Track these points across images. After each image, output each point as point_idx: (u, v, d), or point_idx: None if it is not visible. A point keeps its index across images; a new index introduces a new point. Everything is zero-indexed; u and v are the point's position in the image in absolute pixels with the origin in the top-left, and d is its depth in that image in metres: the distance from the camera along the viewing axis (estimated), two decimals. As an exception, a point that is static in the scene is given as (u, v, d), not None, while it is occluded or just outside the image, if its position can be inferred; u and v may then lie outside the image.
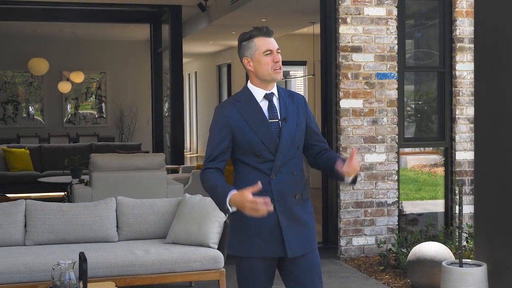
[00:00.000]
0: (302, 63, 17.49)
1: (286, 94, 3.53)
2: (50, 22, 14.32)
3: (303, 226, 3.47)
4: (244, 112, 3.42)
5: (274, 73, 3.43)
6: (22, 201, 5.79)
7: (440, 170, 13.12)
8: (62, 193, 10.61)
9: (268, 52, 3.42)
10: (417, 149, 9.80)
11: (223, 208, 3.27)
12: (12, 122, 17.75)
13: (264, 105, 3.45)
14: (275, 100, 3.47)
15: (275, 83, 3.53)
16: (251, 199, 3.16)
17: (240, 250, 3.44)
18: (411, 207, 9.57)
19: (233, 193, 3.24)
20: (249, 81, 3.53)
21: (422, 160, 15.25)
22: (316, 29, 13.98)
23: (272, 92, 3.47)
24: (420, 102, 8.01)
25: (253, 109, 3.43)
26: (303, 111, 3.52)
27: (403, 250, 6.59)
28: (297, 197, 3.45)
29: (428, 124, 7.95)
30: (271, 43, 3.45)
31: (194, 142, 22.73)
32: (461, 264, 5.12)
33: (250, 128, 3.39)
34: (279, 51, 3.46)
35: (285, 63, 3.53)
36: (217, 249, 5.63)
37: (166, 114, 14.52)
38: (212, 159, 3.41)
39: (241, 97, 3.48)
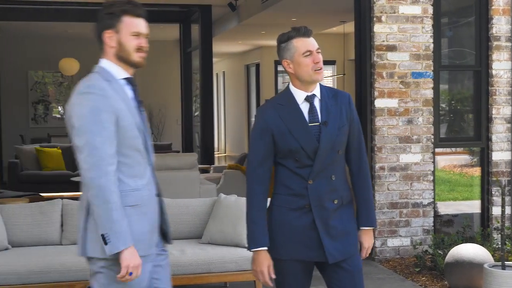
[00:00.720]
0: (331, 63, 17.44)
1: (330, 94, 3.43)
2: (80, 22, 14.40)
3: (343, 232, 3.41)
4: (285, 115, 3.35)
5: (315, 74, 3.35)
6: (59, 201, 5.81)
7: (472, 171, 13.00)
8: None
9: (308, 53, 3.34)
10: (448, 149, 9.71)
11: (248, 244, 3.42)
12: (43, 121, 17.90)
13: (305, 107, 3.37)
14: (317, 102, 3.39)
15: (318, 83, 3.46)
16: (265, 274, 3.33)
17: (275, 252, 3.40)
18: (444, 207, 9.48)
19: (263, 250, 3.35)
20: (290, 82, 3.46)
21: (454, 161, 15.11)
22: (347, 28, 13.91)
23: (313, 94, 3.39)
24: (453, 102, 7.91)
25: (293, 113, 3.35)
26: (346, 112, 3.42)
27: (439, 251, 6.50)
28: (336, 202, 3.38)
29: (463, 124, 7.85)
30: (311, 43, 3.36)
31: (222, 142, 22.76)
32: (503, 267, 5.03)
33: (290, 133, 3.32)
34: (319, 50, 3.37)
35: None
36: (253, 249, 5.59)
37: (195, 114, 14.54)
38: (258, 164, 3.37)
39: (282, 100, 3.41)
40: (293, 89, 3.41)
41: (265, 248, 3.35)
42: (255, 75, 19.11)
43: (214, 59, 18.64)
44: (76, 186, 10.98)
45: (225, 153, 22.19)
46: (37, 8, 12.82)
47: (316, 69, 3.34)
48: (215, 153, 18.21)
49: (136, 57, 3.14)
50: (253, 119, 19.51)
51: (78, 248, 3.13)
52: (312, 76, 3.35)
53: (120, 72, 3.13)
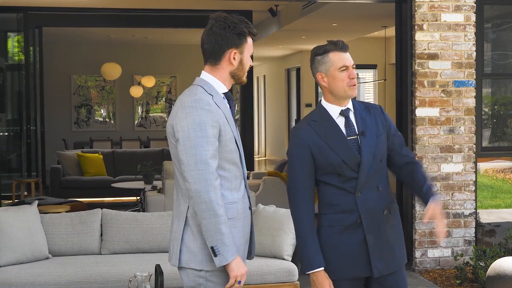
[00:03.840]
0: (372, 67, 17.32)
1: (362, 107, 3.42)
2: (122, 28, 14.55)
3: (391, 243, 3.36)
4: (321, 131, 3.32)
5: (349, 90, 3.33)
6: (98, 210, 5.84)
7: (516, 177, 12.75)
8: (135, 198, 10.75)
9: (344, 68, 3.32)
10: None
11: (303, 267, 3.35)
12: (86, 125, 18.11)
13: (340, 122, 3.35)
14: (352, 116, 3.37)
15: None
16: None
17: (328, 273, 3.34)
18: (486, 215, 9.34)
19: (321, 271, 3.29)
20: (322, 98, 3.43)
21: (497, 165, 14.85)
22: (388, 32, 13.79)
23: (347, 108, 3.37)
24: (496, 106, 7.78)
25: (330, 128, 3.33)
26: (381, 121, 3.41)
27: (481, 263, 6.40)
28: (385, 212, 3.35)
29: (506, 130, 7.71)
30: (347, 58, 3.34)
31: (263, 146, 22.75)
32: (546, 283, 4.92)
33: (329, 148, 3.29)
34: (354, 66, 3.36)
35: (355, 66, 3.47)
36: (291, 261, 5.56)
37: (235, 118, 14.57)
38: (300, 183, 3.33)
39: (316, 116, 3.39)
40: (326, 104, 3.39)
41: (322, 268, 3.31)
42: (296, 79, 19.07)
43: (255, 63, 18.66)
44: (116, 192, 11.11)
45: (265, 156, 22.18)
46: (79, 14, 12.97)
47: (351, 84, 3.33)
48: (255, 157, 18.22)
49: (245, 75, 3.27)
50: (293, 123, 19.48)
51: (171, 257, 3.19)
52: (347, 92, 3.33)
53: (221, 87, 3.22)
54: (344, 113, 3.36)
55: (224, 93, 3.23)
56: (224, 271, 3.10)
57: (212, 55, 3.20)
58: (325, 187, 3.35)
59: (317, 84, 13.86)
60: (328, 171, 3.31)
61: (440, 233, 3.38)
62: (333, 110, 3.37)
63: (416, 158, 3.52)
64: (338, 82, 3.32)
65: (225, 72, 3.21)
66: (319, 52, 3.38)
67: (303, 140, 3.33)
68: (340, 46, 3.35)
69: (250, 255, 3.36)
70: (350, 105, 3.39)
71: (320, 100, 3.44)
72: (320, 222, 3.38)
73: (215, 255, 3.02)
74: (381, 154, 3.36)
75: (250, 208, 3.29)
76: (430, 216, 3.35)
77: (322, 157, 3.30)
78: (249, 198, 3.28)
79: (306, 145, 3.32)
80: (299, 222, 3.33)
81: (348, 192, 3.30)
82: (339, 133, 3.32)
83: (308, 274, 3.34)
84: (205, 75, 3.22)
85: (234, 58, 3.18)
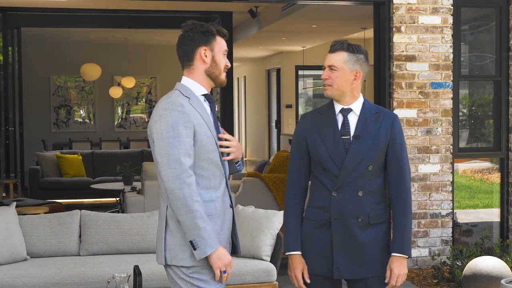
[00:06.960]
0: (351, 68, 17.37)
1: (373, 111, 3.42)
2: (101, 28, 14.51)
3: (364, 250, 3.35)
4: (321, 124, 3.41)
5: (324, 89, 3.43)
6: (77, 212, 5.84)
7: (493, 177, 12.87)
8: (115, 199, 10.73)
9: (324, 68, 3.43)
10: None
11: (284, 248, 3.49)
12: (65, 126, 18.03)
13: (340, 119, 3.41)
14: (352, 116, 3.40)
15: (360, 98, 3.43)
16: (299, 279, 3.42)
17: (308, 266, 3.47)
18: (464, 215, 9.40)
19: (296, 255, 3.42)
20: None
21: (475, 166, 14.94)
22: (367, 34, 13.88)
23: (349, 108, 3.40)
24: (473, 108, 7.86)
25: (328, 122, 3.41)
26: (386, 131, 3.37)
27: (458, 263, 6.47)
28: (360, 220, 3.34)
29: (483, 130, 7.80)
30: (327, 58, 3.41)
31: (243, 147, 22.79)
32: (520, 283, 4.99)
33: (321, 141, 3.37)
34: (334, 68, 3.36)
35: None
36: (270, 261, 5.59)
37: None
38: (293, 170, 3.47)
39: (323, 109, 3.49)
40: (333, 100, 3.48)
41: (297, 252, 3.42)
42: (276, 80, 19.12)
43: (235, 64, 18.67)
44: (96, 193, 11.08)
45: (245, 157, 22.22)
46: (59, 15, 12.93)
47: (324, 84, 3.42)
48: (235, 158, 18.22)
49: (223, 76, 3.34)
50: (273, 123, 19.54)
51: (157, 256, 3.31)
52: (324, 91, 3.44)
53: (199, 89, 3.29)
54: (343, 112, 3.41)
55: (205, 95, 3.31)
56: (206, 267, 3.20)
57: (185, 58, 3.30)
58: (313, 180, 3.46)
59: (297, 85, 13.95)
60: (316, 164, 3.40)
61: (393, 278, 3.38)
62: (337, 107, 3.43)
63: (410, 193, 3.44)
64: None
65: (200, 72, 3.29)
66: None
67: (302, 130, 3.45)
68: (331, 46, 3.43)
69: (236, 251, 3.48)
70: (355, 105, 3.41)
71: None
72: (304, 213, 3.48)
73: (195, 249, 3.13)
74: (372, 161, 3.34)
75: (231, 206, 3.37)
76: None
77: (314, 148, 3.39)
78: (230, 197, 3.36)
79: (303, 135, 3.44)
80: (285, 206, 3.47)
81: (327, 190, 3.36)
82: (334, 129, 3.39)
83: (287, 255, 3.47)
84: (184, 79, 3.32)
85: (205, 56, 3.27)
